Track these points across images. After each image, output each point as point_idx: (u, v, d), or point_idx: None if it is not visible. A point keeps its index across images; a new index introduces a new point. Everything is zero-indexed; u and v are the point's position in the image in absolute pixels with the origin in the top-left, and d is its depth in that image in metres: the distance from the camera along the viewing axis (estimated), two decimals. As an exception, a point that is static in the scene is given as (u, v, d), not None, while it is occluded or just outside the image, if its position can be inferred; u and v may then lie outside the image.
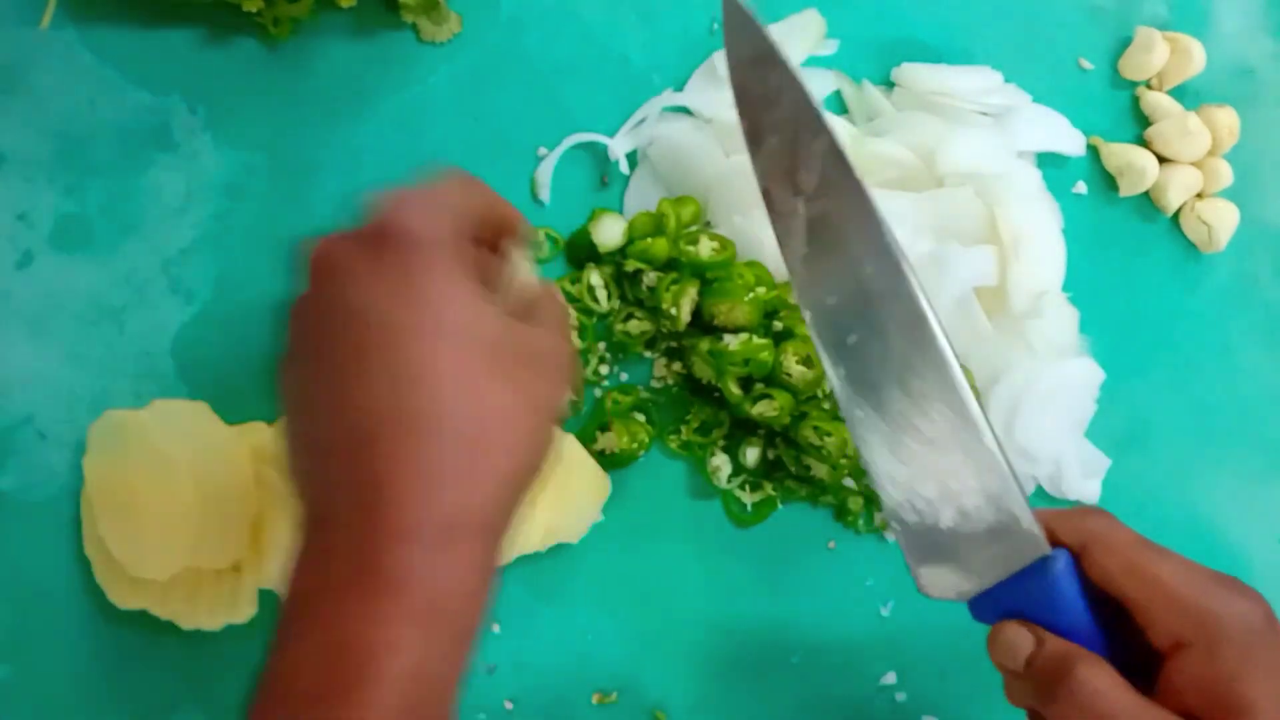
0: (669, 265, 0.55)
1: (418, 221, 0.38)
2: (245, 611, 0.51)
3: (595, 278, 0.56)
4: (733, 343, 0.52)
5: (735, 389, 0.53)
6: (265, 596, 0.51)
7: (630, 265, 0.55)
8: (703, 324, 0.54)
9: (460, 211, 0.40)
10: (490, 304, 0.39)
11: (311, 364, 0.39)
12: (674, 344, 0.56)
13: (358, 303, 0.38)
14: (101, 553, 0.51)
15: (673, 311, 0.53)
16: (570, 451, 0.54)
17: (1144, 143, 0.61)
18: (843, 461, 0.53)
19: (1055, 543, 0.40)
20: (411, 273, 0.38)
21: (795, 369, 0.53)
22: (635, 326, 0.56)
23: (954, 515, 0.40)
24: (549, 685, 0.54)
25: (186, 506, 0.48)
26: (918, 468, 0.40)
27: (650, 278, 0.55)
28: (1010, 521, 0.39)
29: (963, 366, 0.40)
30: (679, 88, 0.59)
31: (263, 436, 0.51)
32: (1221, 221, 0.60)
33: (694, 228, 0.56)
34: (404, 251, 0.38)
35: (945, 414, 0.39)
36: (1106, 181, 0.61)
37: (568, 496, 0.53)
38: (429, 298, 0.38)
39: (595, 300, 0.56)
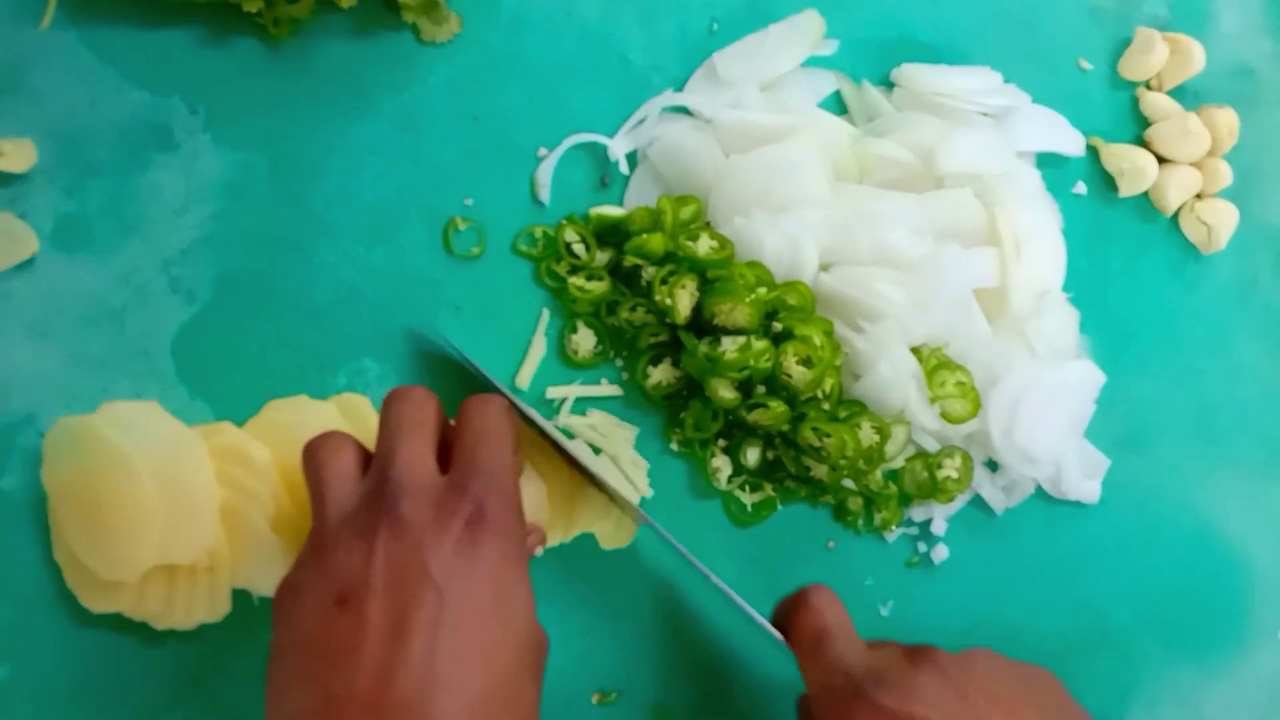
0: (667, 260, 0.55)
1: (505, 511, 0.43)
2: (220, 611, 0.51)
3: (570, 233, 0.56)
4: (729, 349, 0.52)
5: (725, 393, 0.53)
6: (239, 596, 0.51)
7: (629, 261, 0.55)
8: (701, 323, 0.54)
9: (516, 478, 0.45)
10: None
11: (361, 610, 0.40)
12: (667, 339, 0.56)
13: (438, 577, 0.40)
14: (70, 559, 0.51)
15: (668, 303, 0.53)
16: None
17: (1144, 143, 0.61)
18: (842, 462, 0.53)
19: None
20: (502, 567, 0.42)
21: (795, 370, 0.53)
22: (638, 317, 0.56)
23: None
24: (549, 685, 0.54)
25: (149, 504, 0.48)
26: None
27: (648, 272, 0.55)
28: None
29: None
30: (679, 88, 0.59)
31: (227, 436, 0.51)
32: (1221, 221, 0.60)
33: (694, 226, 0.56)
34: (495, 545, 0.42)
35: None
36: (1106, 182, 0.61)
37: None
38: (514, 596, 0.42)
39: (574, 255, 0.56)
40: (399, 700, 0.38)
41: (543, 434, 0.52)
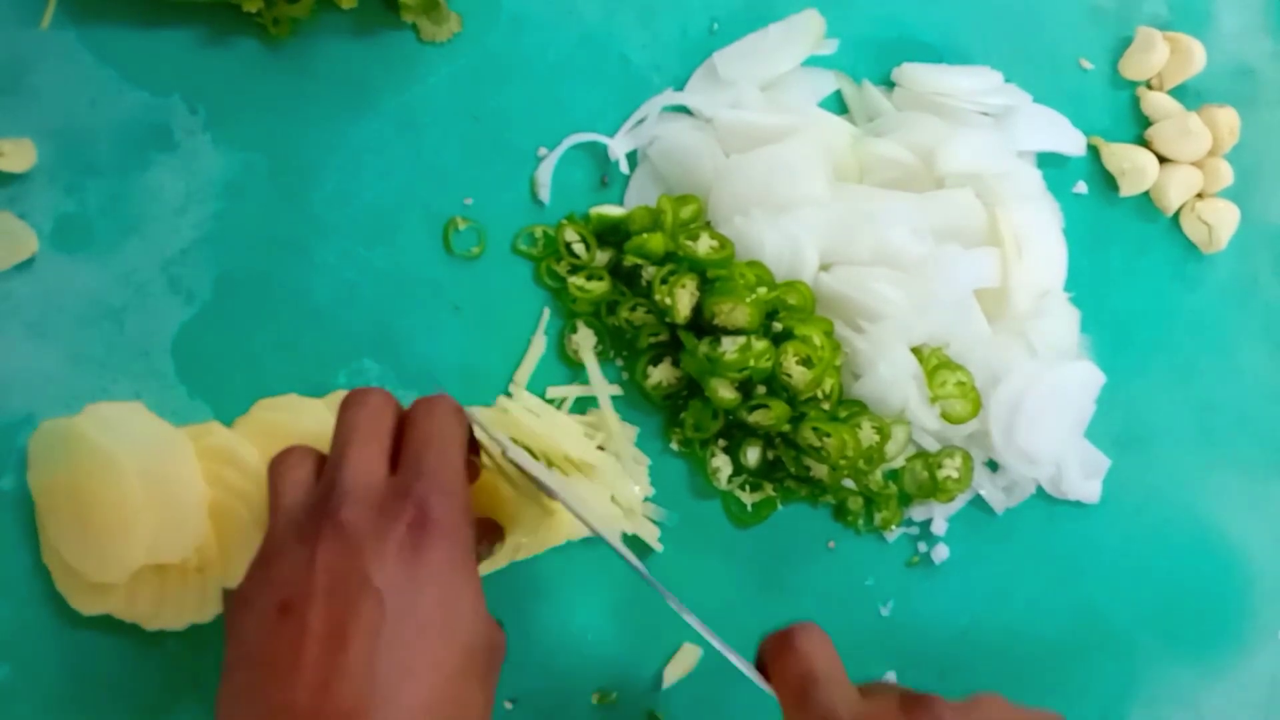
0: (667, 260, 0.55)
1: (451, 514, 0.41)
2: (209, 611, 0.51)
3: (570, 233, 0.56)
4: (730, 349, 0.52)
5: (725, 393, 0.53)
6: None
7: (629, 261, 0.55)
8: (701, 323, 0.54)
9: (465, 482, 0.43)
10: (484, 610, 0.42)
11: (304, 618, 0.39)
12: (667, 339, 0.56)
13: (380, 583, 0.39)
14: (59, 562, 0.51)
15: (668, 303, 0.53)
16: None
17: (1144, 143, 0.61)
18: (842, 462, 0.53)
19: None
20: (447, 570, 0.40)
21: (795, 369, 0.53)
22: (638, 317, 0.56)
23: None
24: (549, 685, 0.54)
25: (136, 504, 0.48)
26: None
27: (648, 272, 0.55)
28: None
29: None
30: (679, 87, 0.59)
31: (216, 436, 0.51)
32: (1222, 221, 0.60)
33: (694, 226, 0.56)
34: (441, 548, 0.40)
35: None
36: (1107, 181, 0.61)
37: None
38: (459, 600, 0.40)
39: (574, 255, 0.56)
40: (337, 712, 0.37)
41: (508, 457, 0.52)
